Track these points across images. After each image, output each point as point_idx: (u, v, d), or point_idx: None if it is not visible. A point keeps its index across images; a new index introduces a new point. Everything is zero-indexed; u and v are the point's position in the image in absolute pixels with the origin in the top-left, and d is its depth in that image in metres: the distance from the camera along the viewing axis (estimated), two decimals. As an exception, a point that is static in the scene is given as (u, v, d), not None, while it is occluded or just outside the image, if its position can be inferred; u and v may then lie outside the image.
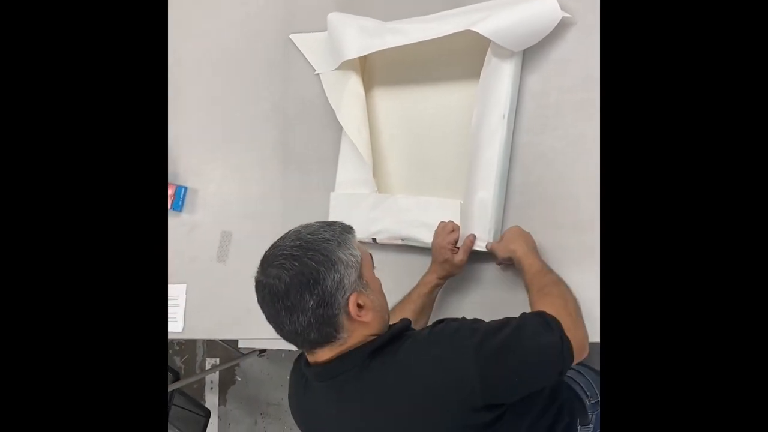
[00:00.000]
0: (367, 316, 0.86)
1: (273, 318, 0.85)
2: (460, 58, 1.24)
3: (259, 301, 0.86)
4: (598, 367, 1.18)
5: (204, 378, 2.59)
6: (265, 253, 0.87)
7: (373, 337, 0.88)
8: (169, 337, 1.51)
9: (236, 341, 2.37)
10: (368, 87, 1.36)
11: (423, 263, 1.21)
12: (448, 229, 1.15)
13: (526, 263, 1.04)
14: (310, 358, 0.90)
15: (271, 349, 2.43)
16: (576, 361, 0.88)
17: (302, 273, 0.81)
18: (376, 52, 1.25)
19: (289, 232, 0.88)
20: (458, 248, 1.13)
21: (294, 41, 1.45)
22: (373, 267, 0.92)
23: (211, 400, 2.58)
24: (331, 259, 0.83)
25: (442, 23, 1.17)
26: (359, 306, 0.85)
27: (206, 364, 2.62)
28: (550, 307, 0.91)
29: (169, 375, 2.03)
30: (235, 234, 1.47)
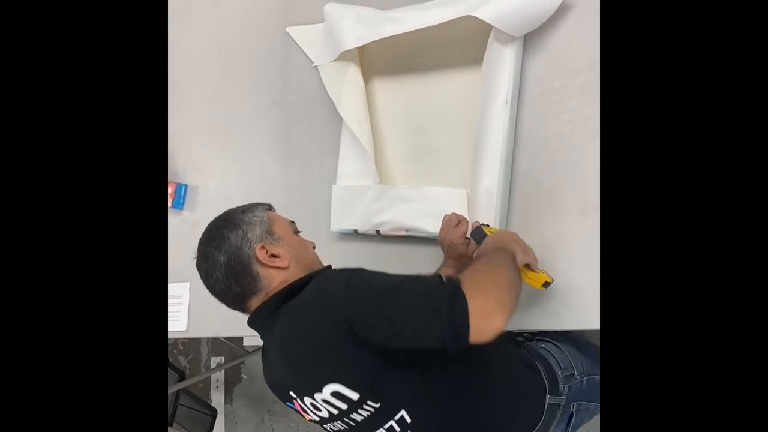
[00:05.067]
0: (282, 262, 0.96)
1: (207, 285, 0.98)
2: (461, 44, 1.23)
3: (201, 277, 0.99)
4: (582, 344, 1.18)
5: (209, 377, 2.59)
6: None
7: (292, 282, 0.96)
8: (174, 336, 1.50)
9: (241, 339, 2.36)
10: (368, 77, 1.34)
11: (428, 254, 1.20)
12: (453, 223, 1.12)
13: (485, 247, 0.99)
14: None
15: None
16: (478, 330, 0.75)
17: (210, 238, 0.98)
18: (374, 41, 1.23)
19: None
20: (468, 239, 1.11)
21: (291, 34, 1.43)
22: (294, 231, 1.04)
23: (217, 399, 2.57)
24: (233, 222, 0.98)
25: (441, 10, 1.15)
26: (272, 256, 0.96)
27: (211, 362, 2.62)
28: (469, 288, 0.78)
29: (175, 375, 2.02)
30: (237, 230, 1.45)
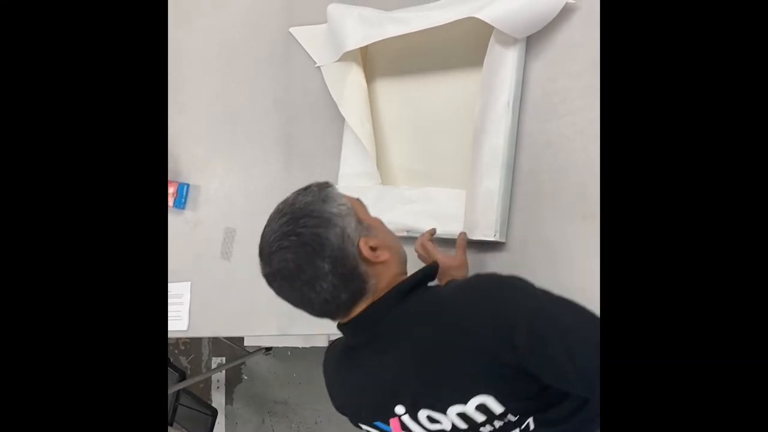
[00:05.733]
0: (384, 255, 0.84)
1: (299, 300, 0.82)
2: (463, 46, 1.23)
3: (277, 292, 0.83)
4: None
5: (210, 377, 2.59)
6: (259, 247, 0.84)
7: (402, 276, 0.86)
8: (175, 335, 1.50)
9: (242, 339, 2.36)
10: (370, 78, 1.34)
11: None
12: (426, 239, 1.11)
13: None
14: (347, 319, 0.86)
15: (278, 347, 2.42)
16: None
17: (304, 243, 0.79)
18: (377, 42, 1.23)
19: (269, 218, 0.85)
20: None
21: (294, 34, 1.43)
22: (367, 210, 0.91)
23: (218, 400, 2.57)
24: (323, 217, 0.80)
25: (444, 11, 1.15)
26: (372, 249, 0.83)
27: (212, 363, 2.62)
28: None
29: (175, 375, 2.02)
30: (239, 230, 1.46)
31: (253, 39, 1.50)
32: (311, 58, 1.41)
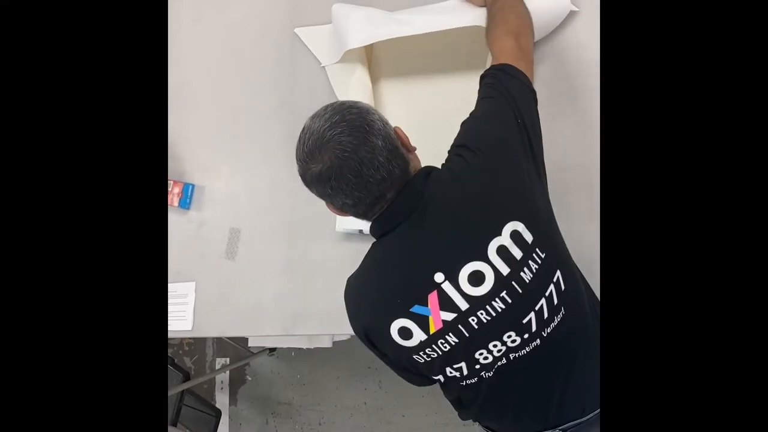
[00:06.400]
0: (411, 144, 0.94)
1: (355, 183, 0.86)
2: (469, 46, 1.22)
3: (332, 186, 0.87)
4: None
5: (214, 378, 2.58)
6: (306, 147, 0.90)
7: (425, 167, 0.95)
8: (179, 336, 1.50)
9: (246, 340, 2.36)
10: (375, 79, 1.34)
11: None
12: None
13: None
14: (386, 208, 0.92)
15: (281, 348, 2.42)
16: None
17: (356, 125, 0.86)
18: (382, 42, 1.23)
19: (311, 119, 0.92)
20: None
21: (299, 35, 1.43)
22: None
23: (222, 400, 2.57)
24: (362, 107, 0.89)
25: (450, 17, 1.15)
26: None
27: (216, 363, 2.61)
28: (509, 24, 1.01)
29: (179, 375, 2.02)
30: (243, 230, 1.45)
31: (259, 41, 1.50)
32: (317, 59, 1.40)
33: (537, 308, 0.88)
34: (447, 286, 0.87)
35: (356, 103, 0.90)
